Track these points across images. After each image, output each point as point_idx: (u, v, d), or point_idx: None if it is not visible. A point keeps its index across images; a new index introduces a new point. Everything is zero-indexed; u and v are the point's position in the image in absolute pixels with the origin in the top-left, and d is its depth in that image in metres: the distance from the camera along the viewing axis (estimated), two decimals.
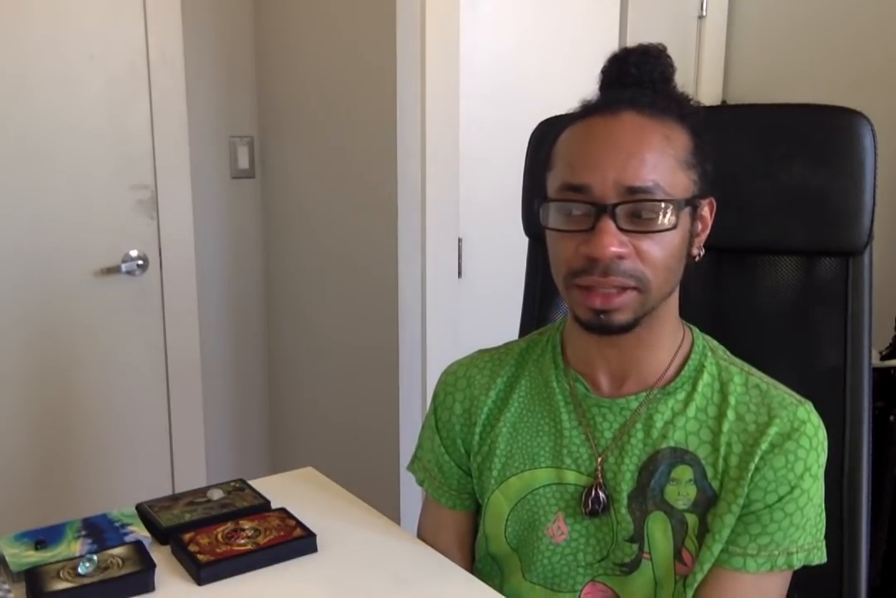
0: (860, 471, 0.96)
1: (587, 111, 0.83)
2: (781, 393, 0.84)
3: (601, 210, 0.78)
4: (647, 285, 0.80)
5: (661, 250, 0.79)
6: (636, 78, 0.83)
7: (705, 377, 0.86)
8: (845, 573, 0.96)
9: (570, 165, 0.81)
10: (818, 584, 0.89)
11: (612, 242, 0.77)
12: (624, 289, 0.79)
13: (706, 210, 0.85)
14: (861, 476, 0.96)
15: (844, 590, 0.96)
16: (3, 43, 1.84)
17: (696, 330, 0.91)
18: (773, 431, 0.81)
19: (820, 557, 0.84)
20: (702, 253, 0.86)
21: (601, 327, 0.82)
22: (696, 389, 0.86)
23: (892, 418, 1.59)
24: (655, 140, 0.79)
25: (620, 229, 0.78)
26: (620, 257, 0.78)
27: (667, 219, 0.78)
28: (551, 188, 0.84)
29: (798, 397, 0.85)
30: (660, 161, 0.78)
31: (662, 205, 0.78)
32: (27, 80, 1.88)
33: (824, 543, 0.85)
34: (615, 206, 0.77)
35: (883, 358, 1.69)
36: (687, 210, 0.81)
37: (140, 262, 2.08)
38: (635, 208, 0.78)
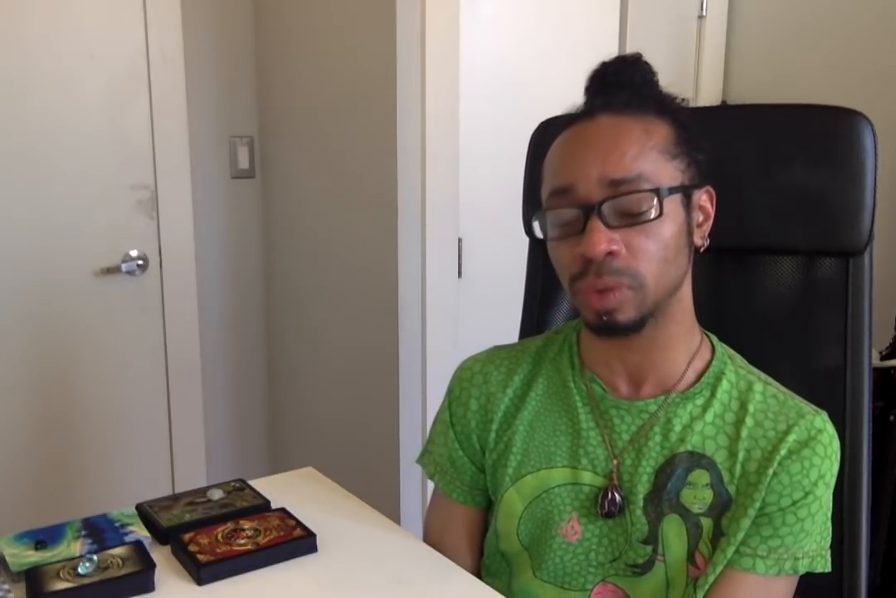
0: (860, 471, 0.96)
1: (569, 122, 0.86)
2: (798, 403, 0.86)
3: (588, 210, 0.79)
4: (642, 281, 0.80)
5: (652, 243, 0.80)
6: (616, 85, 0.85)
7: (724, 385, 0.87)
8: (845, 572, 0.96)
9: (553, 173, 0.84)
10: (818, 584, 0.89)
11: (602, 239, 0.78)
12: (618, 287, 0.80)
13: (704, 199, 0.86)
14: (861, 476, 0.96)
15: (844, 589, 0.97)
16: (3, 43, 1.84)
17: (714, 338, 0.92)
18: (791, 438, 0.82)
19: (824, 565, 0.85)
20: (706, 243, 0.87)
21: (606, 327, 0.82)
22: (715, 395, 0.87)
23: (892, 418, 1.59)
24: (634, 134, 0.81)
25: (610, 227, 0.79)
26: (612, 255, 0.79)
27: (652, 209, 0.79)
28: (544, 200, 0.86)
29: (814, 407, 0.86)
30: (640, 153, 0.80)
31: (646, 195, 0.79)
32: (27, 80, 1.88)
33: (829, 553, 0.85)
34: (600, 203, 0.79)
35: (883, 358, 1.69)
36: (676, 198, 0.81)
37: (140, 262, 2.08)
38: (620, 203, 0.79)
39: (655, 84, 0.87)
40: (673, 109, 0.85)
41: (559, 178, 0.83)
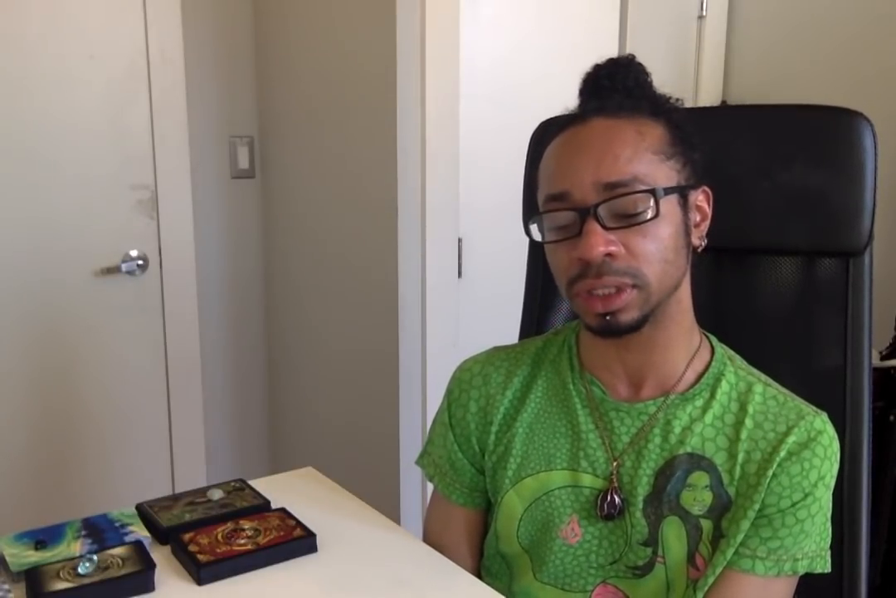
0: (860, 471, 0.96)
1: (562, 127, 0.86)
2: (799, 404, 0.86)
3: (584, 213, 0.79)
4: (645, 280, 0.80)
5: (651, 243, 0.80)
6: (610, 88, 0.85)
7: (724, 386, 0.87)
8: (845, 572, 0.96)
9: (549, 178, 0.85)
10: (818, 584, 0.89)
11: (599, 241, 0.78)
12: (623, 288, 0.80)
13: (701, 199, 0.86)
14: (861, 476, 0.96)
15: (845, 590, 0.97)
16: (3, 43, 1.84)
17: (714, 339, 0.92)
18: (791, 440, 0.82)
19: (823, 566, 0.85)
20: (704, 243, 0.87)
21: (610, 329, 0.82)
22: (715, 396, 0.87)
23: (892, 418, 1.59)
24: (627, 136, 0.81)
25: (607, 229, 0.79)
26: (611, 256, 0.79)
27: (648, 209, 0.79)
28: (540, 204, 0.86)
29: (814, 408, 0.86)
30: (634, 155, 0.80)
31: (642, 195, 0.79)
32: (27, 80, 1.88)
33: (829, 553, 0.86)
34: (596, 206, 0.79)
35: (883, 358, 1.69)
36: (673, 199, 0.81)
37: (140, 262, 2.08)
38: (616, 205, 0.79)
39: (649, 85, 0.87)
40: (667, 110, 0.85)
41: (554, 184, 0.83)
